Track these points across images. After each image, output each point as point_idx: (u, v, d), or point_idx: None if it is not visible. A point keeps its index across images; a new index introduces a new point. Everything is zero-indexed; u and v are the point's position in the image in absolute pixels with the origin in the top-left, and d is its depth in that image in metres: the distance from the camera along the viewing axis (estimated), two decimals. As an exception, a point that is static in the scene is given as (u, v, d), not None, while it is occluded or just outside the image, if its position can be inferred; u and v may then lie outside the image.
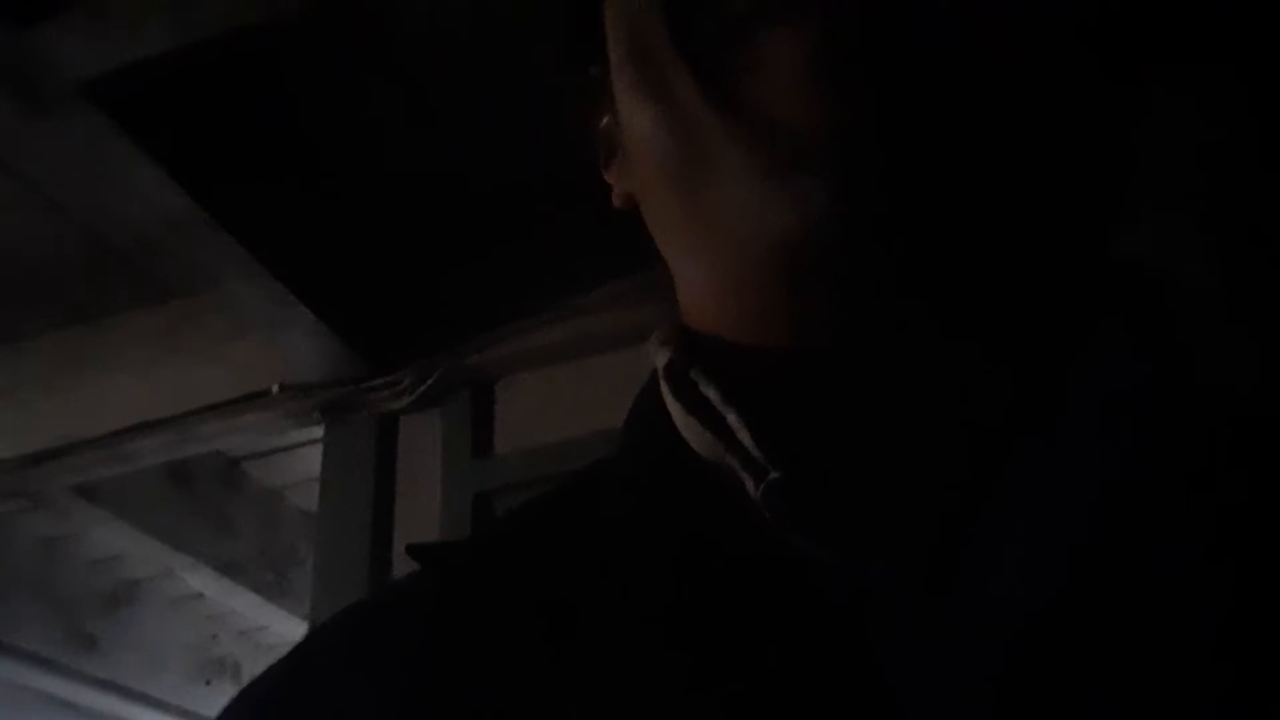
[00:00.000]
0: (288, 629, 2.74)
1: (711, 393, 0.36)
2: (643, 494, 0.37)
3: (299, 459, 2.42)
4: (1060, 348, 0.32)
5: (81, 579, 2.77)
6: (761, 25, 0.32)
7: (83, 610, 2.78)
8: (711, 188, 0.34)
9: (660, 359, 0.38)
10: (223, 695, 2.70)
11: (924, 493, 0.31)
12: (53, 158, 1.40)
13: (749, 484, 0.34)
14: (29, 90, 1.23)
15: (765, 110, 0.32)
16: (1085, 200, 0.33)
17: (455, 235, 1.66)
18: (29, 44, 1.17)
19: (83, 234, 1.76)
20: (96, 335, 1.92)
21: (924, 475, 0.32)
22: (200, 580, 2.58)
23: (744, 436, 0.34)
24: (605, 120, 0.43)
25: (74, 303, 1.90)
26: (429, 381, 1.74)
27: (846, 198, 0.31)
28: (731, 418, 0.35)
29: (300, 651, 0.41)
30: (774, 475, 0.33)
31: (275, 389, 1.79)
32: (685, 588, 0.33)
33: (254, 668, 2.99)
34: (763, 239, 0.32)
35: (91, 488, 2.22)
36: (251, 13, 1.13)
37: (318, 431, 1.90)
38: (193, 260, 1.57)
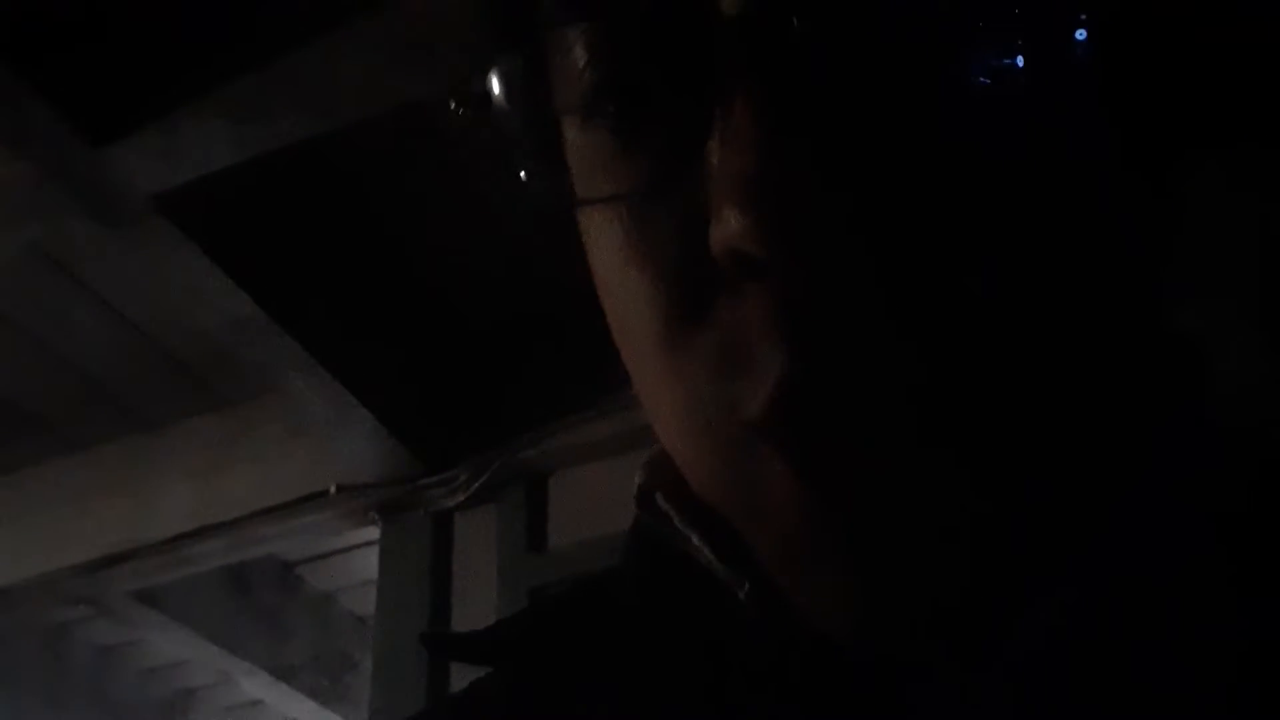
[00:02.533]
0: (342, 737, 2.72)
1: (675, 516, 0.37)
2: (656, 596, 0.38)
3: (352, 562, 2.44)
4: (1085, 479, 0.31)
5: (139, 688, 2.78)
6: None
7: (140, 719, 2.79)
8: (671, 381, 0.32)
9: (636, 480, 0.39)
10: (278, 804, 2.69)
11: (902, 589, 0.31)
12: (124, 270, 1.47)
13: (738, 591, 0.35)
14: (104, 206, 1.30)
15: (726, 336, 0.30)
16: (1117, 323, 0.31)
17: (508, 333, 1.70)
18: (104, 162, 1.23)
19: (148, 344, 1.82)
20: (159, 441, 1.97)
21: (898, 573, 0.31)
22: (257, 686, 2.58)
23: (705, 555, 0.36)
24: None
25: (137, 411, 1.95)
26: (483, 478, 1.76)
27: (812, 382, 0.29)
28: (694, 539, 0.36)
29: None
30: (745, 587, 0.34)
31: (332, 490, 1.81)
32: (712, 683, 0.35)
33: (308, 777, 2.97)
34: (722, 432, 0.31)
35: (151, 593, 2.24)
36: (313, 126, 1.18)
37: (371, 533, 1.92)
38: (256, 363, 1.62)
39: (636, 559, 0.40)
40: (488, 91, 0.33)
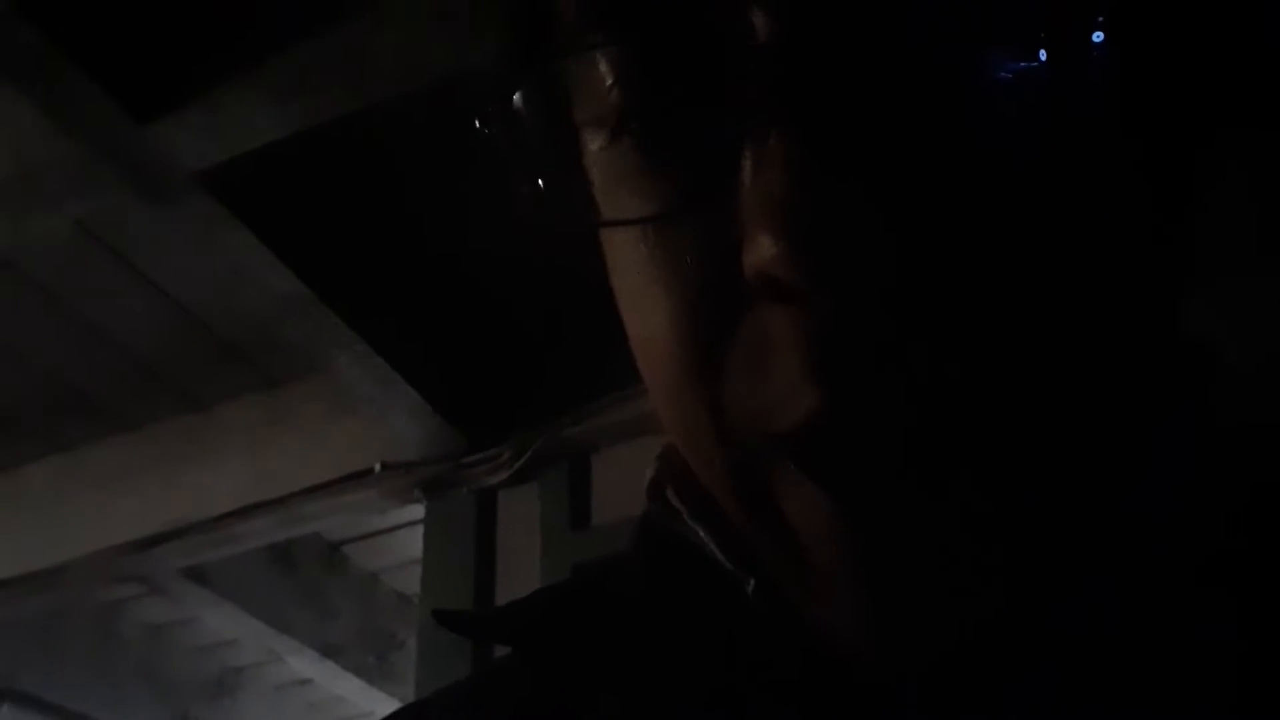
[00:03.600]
0: (389, 715, 2.75)
1: (683, 510, 0.37)
2: (663, 588, 0.39)
3: (396, 542, 2.46)
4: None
5: (189, 665, 2.83)
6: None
7: (190, 696, 2.83)
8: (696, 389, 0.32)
9: (648, 474, 0.40)
10: (327, 780, 2.72)
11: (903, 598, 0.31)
12: (171, 248, 1.48)
13: (744, 586, 0.35)
14: (149, 183, 1.31)
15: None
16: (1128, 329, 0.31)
17: (551, 311, 1.70)
18: (149, 138, 1.24)
19: (197, 324, 1.83)
20: (208, 420, 1.99)
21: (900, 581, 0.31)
22: (304, 664, 2.61)
23: (713, 550, 0.36)
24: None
25: (187, 390, 1.97)
26: (526, 455, 1.77)
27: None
28: (702, 533, 0.36)
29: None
30: (751, 583, 0.35)
31: (377, 468, 1.83)
32: (717, 676, 0.35)
33: (356, 755, 3.01)
34: (747, 454, 0.31)
35: (201, 571, 2.27)
36: (355, 101, 1.19)
37: (416, 512, 1.94)
38: (300, 341, 1.63)
39: (644, 550, 0.40)
40: (511, 108, 0.32)
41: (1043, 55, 0.28)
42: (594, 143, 0.33)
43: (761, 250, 0.27)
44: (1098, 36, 0.28)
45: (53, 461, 2.09)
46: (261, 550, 2.25)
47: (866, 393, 0.28)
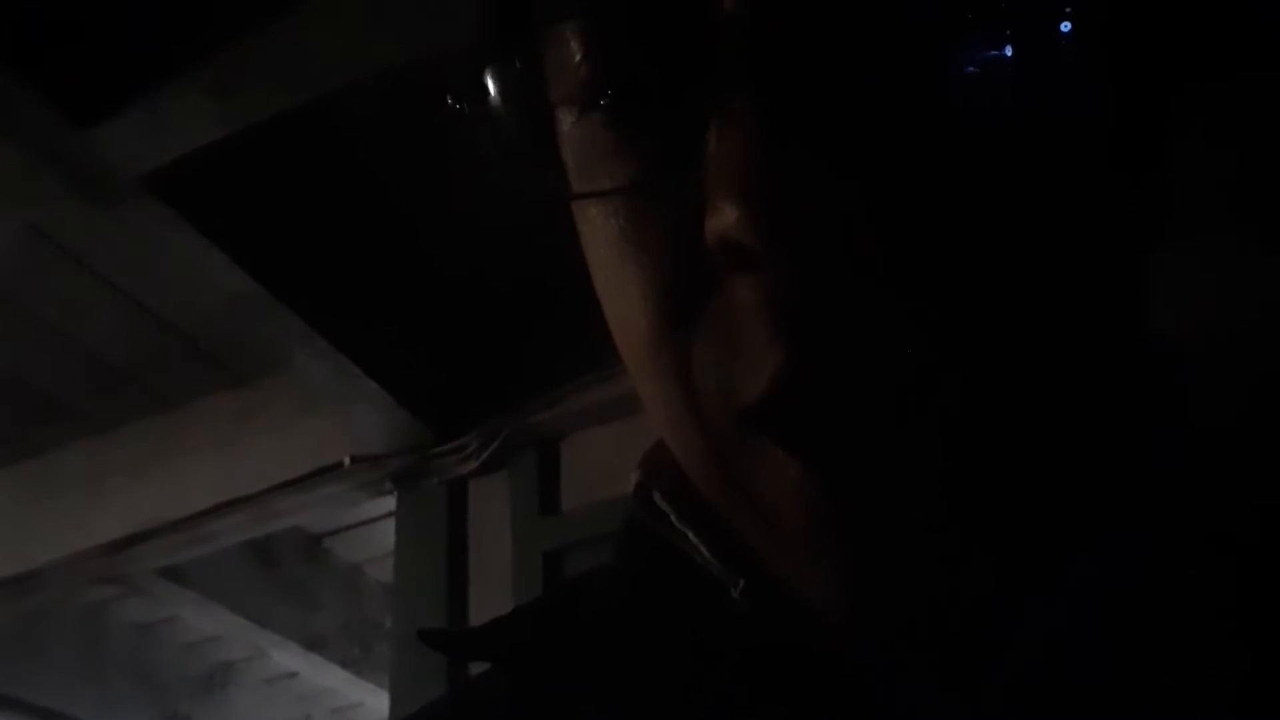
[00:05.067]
0: (380, 706, 2.76)
1: (671, 513, 0.37)
2: (651, 592, 0.39)
3: (377, 533, 2.46)
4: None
5: (177, 663, 2.83)
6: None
7: (179, 693, 2.84)
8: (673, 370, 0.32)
9: (633, 478, 0.40)
10: (316, 773, 2.73)
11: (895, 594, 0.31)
12: (122, 250, 1.47)
13: (731, 589, 0.35)
14: (94, 188, 1.30)
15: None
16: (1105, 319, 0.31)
17: (516, 298, 1.69)
18: (90, 143, 1.23)
19: (157, 324, 1.83)
20: (175, 421, 1.98)
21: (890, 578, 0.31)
22: (289, 658, 2.62)
23: (701, 553, 0.36)
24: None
25: (154, 391, 1.96)
26: (495, 444, 1.77)
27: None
28: (690, 536, 0.36)
29: None
30: (739, 585, 0.35)
31: (346, 462, 1.82)
32: (705, 679, 0.35)
33: (348, 746, 3.02)
34: (719, 422, 0.31)
35: (180, 571, 2.27)
36: (290, 98, 1.18)
37: (392, 503, 1.94)
38: (261, 341, 1.62)
39: (631, 555, 0.40)
40: (482, 84, 0.32)
41: (1008, 46, 0.28)
42: (566, 122, 0.34)
43: (724, 216, 0.27)
44: (1065, 26, 0.29)
45: (22, 467, 2.09)
46: (241, 546, 2.25)
47: (831, 354, 0.28)
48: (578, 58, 0.32)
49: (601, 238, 0.33)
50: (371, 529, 2.47)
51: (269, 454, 1.90)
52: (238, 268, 1.43)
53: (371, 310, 1.66)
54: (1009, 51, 0.28)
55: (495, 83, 0.33)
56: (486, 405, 1.79)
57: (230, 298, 1.48)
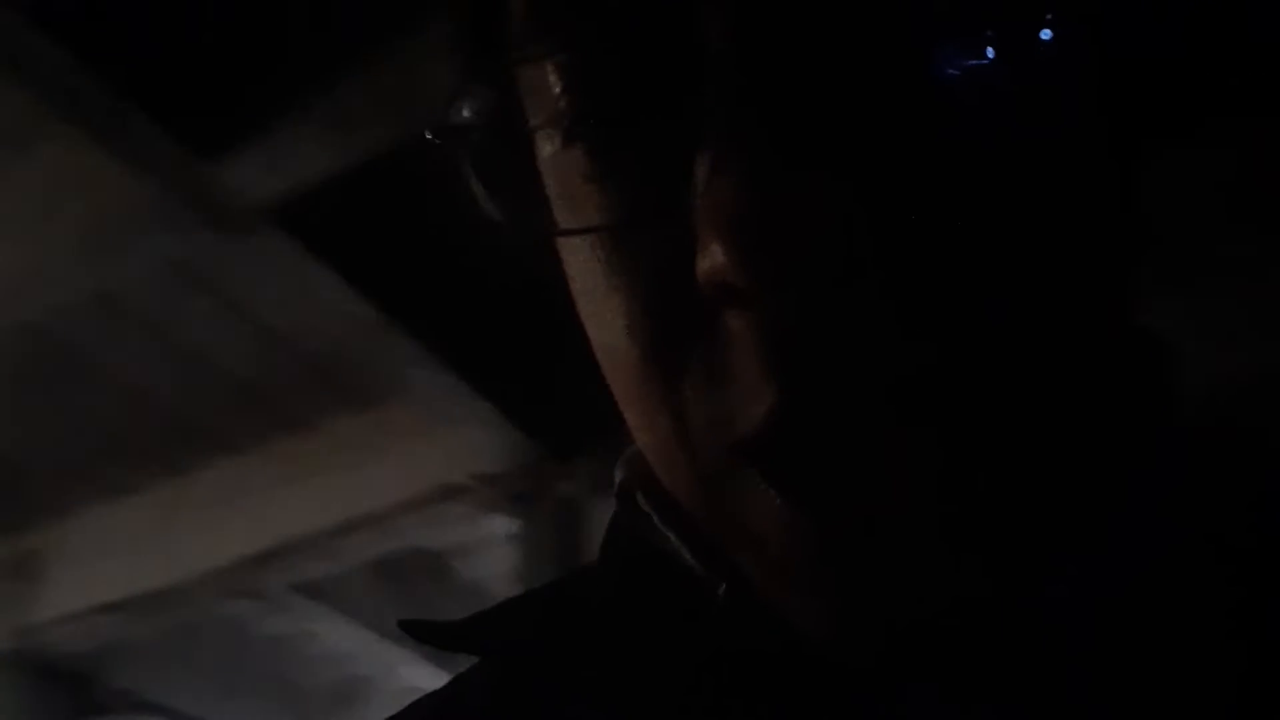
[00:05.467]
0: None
1: (654, 515, 0.37)
2: (634, 593, 0.38)
3: (499, 551, 2.50)
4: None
5: (312, 676, 2.92)
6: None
7: (315, 706, 2.92)
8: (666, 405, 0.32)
9: (616, 478, 0.40)
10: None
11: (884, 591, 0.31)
12: (248, 278, 1.53)
13: (715, 590, 0.35)
14: (220, 219, 1.36)
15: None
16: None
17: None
18: (213, 176, 1.29)
19: (286, 349, 1.90)
20: (305, 441, 2.06)
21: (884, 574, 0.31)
22: (417, 674, 2.68)
23: (684, 555, 0.36)
24: None
25: (284, 412, 2.04)
26: (610, 466, 1.78)
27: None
28: (673, 539, 0.36)
29: None
30: (723, 587, 0.34)
31: (466, 481, 1.86)
32: (688, 681, 0.35)
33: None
34: (710, 458, 0.31)
35: (315, 587, 2.35)
36: (404, 130, 1.21)
37: (514, 523, 1.97)
38: (381, 364, 1.67)
39: (615, 556, 0.40)
40: (463, 120, 0.32)
41: (990, 53, 0.28)
42: (546, 150, 0.33)
43: (715, 258, 0.27)
44: (1045, 34, 0.28)
45: (167, 485, 2.19)
46: (371, 563, 2.31)
47: (825, 392, 0.28)
48: (557, 90, 0.31)
49: (586, 270, 0.33)
50: (495, 549, 2.51)
51: (392, 474, 1.95)
52: (355, 294, 1.47)
53: (487, 334, 1.69)
54: (996, 82, 0.27)
55: (473, 117, 0.32)
56: (602, 426, 1.80)
57: (352, 323, 1.53)
